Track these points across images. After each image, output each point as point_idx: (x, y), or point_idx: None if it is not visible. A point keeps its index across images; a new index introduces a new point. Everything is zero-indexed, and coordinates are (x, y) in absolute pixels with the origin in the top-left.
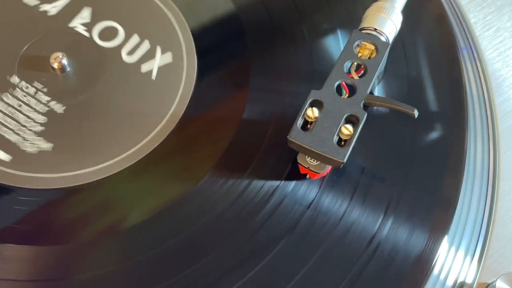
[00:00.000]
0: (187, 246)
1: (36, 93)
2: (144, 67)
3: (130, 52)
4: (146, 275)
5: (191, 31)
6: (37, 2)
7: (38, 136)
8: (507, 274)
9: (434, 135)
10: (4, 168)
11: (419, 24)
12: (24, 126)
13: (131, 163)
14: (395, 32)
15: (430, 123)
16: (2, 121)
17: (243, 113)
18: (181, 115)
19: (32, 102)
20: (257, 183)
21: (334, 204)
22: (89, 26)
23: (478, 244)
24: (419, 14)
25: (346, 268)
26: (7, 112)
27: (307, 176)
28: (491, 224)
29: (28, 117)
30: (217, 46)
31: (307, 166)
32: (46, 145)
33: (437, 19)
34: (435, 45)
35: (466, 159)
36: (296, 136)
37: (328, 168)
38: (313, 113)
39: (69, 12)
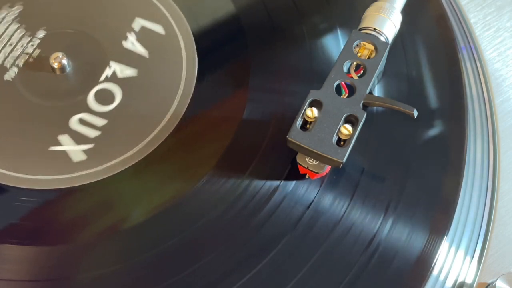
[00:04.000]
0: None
1: None
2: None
3: None
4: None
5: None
6: None
7: None
8: (507, 274)
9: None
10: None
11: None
12: None
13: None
14: (394, 32)
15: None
16: None
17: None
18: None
19: None
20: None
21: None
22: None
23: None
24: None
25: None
26: None
27: (307, 176)
28: (491, 224)
29: None
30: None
31: (306, 166)
32: None
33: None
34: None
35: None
36: (295, 136)
37: (328, 168)
38: (312, 113)
39: None
